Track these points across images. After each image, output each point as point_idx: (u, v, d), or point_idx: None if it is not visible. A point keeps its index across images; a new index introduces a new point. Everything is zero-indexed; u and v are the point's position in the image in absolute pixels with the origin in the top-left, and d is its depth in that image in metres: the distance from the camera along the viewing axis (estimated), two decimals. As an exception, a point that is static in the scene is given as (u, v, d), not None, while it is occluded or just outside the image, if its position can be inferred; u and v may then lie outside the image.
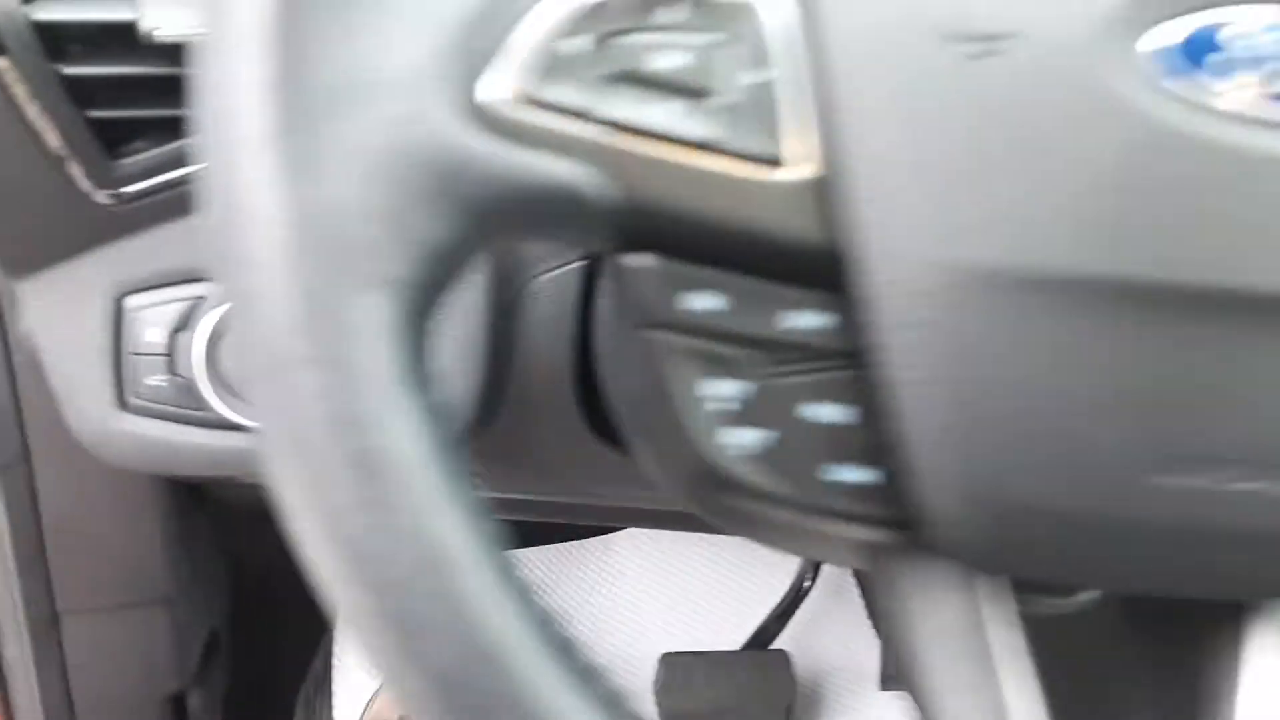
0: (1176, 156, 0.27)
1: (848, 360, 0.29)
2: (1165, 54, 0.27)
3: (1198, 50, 0.27)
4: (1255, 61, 0.27)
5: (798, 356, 0.29)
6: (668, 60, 0.26)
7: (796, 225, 0.28)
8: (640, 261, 0.28)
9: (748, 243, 0.28)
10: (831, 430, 0.29)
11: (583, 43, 0.26)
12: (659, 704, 1.16)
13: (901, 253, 0.27)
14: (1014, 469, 0.28)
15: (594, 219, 0.27)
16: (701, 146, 0.27)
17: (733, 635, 1.19)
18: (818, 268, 0.28)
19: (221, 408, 0.51)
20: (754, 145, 0.27)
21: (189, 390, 0.51)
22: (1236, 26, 0.27)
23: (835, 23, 0.27)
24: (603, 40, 0.26)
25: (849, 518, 0.30)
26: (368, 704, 1.00)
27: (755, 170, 0.27)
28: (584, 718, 0.27)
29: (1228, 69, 0.27)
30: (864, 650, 1.24)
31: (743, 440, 0.29)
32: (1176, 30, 0.27)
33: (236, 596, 1.07)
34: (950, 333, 0.28)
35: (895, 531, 0.30)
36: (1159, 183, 0.27)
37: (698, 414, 0.29)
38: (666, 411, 0.29)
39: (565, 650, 0.28)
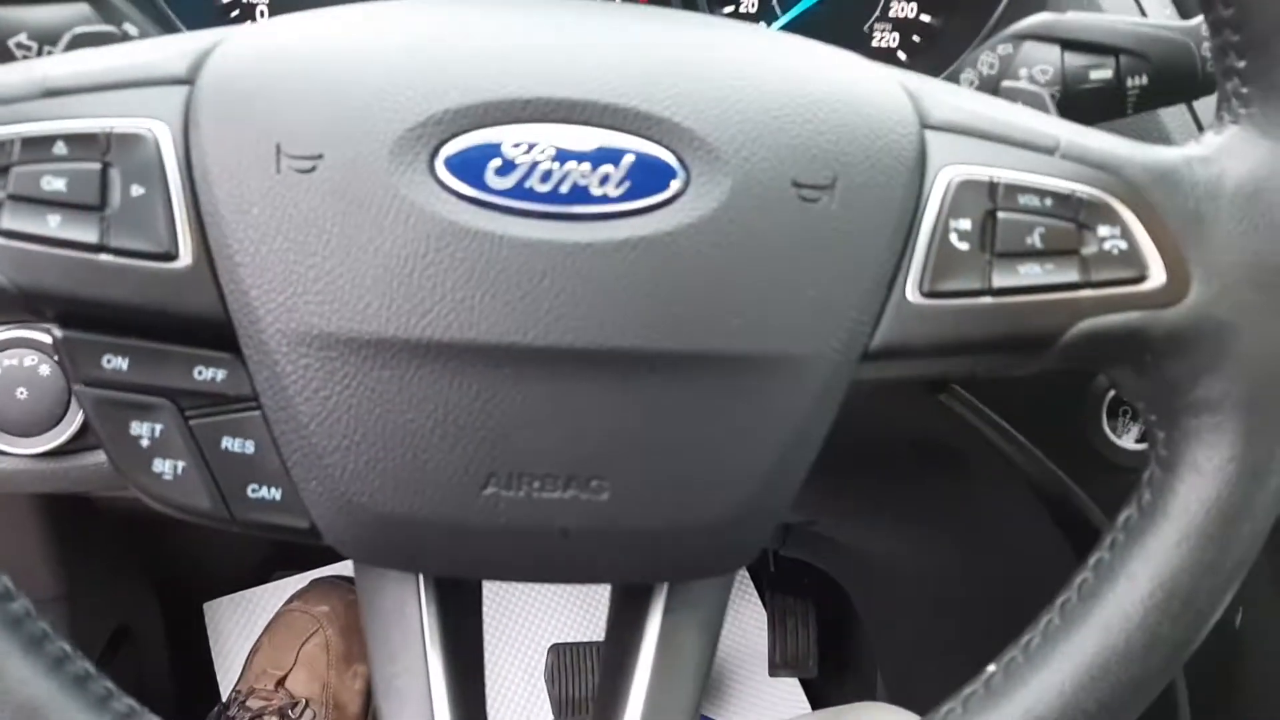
0: (455, 242, 0.34)
1: (252, 403, 0.37)
2: (449, 164, 0.35)
3: (477, 159, 0.35)
4: (517, 165, 0.35)
5: (213, 401, 0.37)
6: (54, 184, 0.35)
7: (193, 302, 0.36)
8: (66, 333, 0.37)
9: (155, 316, 0.36)
10: (246, 457, 0.37)
11: None
12: (549, 691, 1.25)
13: (261, 321, 0.35)
14: (373, 486, 0.36)
15: (12, 307, 0.35)
16: (97, 248, 0.35)
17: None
18: (219, 332, 0.36)
19: (-15, 435, 0.61)
20: (145, 243, 0.35)
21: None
22: (506, 143, 0.35)
23: (206, 148, 0.35)
24: None
25: (272, 527, 0.38)
26: (247, 661, 1.09)
27: (149, 263, 0.35)
28: (48, 690, 0.36)
29: (504, 171, 0.35)
30: (757, 638, 1.31)
31: (171, 469, 0.37)
32: (458, 145, 0.35)
33: (161, 592, 1.18)
34: (304, 382, 0.35)
35: (309, 537, 0.38)
36: (444, 263, 0.34)
37: (132, 450, 0.37)
38: (108, 448, 0.37)
39: (36, 641, 0.36)
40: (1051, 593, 0.41)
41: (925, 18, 0.71)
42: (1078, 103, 0.47)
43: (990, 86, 0.48)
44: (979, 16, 0.67)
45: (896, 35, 0.71)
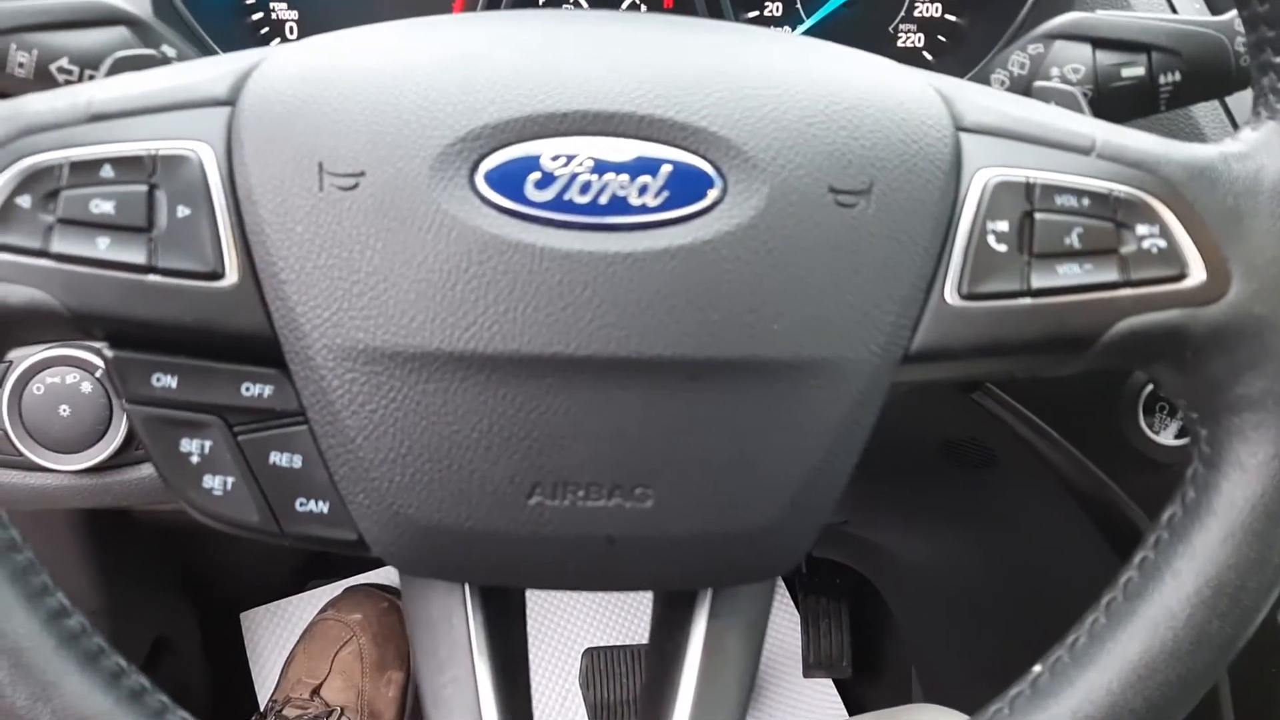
0: (497, 255, 0.35)
1: (298, 418, 0.37)
2: (489, 178, 0.35)
3: (517, 173, 0.35)
4: (556, 178, 0.35)
5: (261, 417, 0.38)
6: (102, 207, 0.35)
7: (240, 320, 0.36)
8: (116, 353, 0.37)
9: (203, 335, 0.36)
10: (294, 471, 0.38)
11: (31, 199, 0.35)
12: (584, 695, 1.25)
13: (307, 337, 0.36)
14: (419, 497, 0.36)
15: (63, 328, 0.36)
16: (145, 269, 0.35)
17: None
18: (265, 349, 0.37)
19: (27, 451, 0.62)
20: (192, 263, 0.36)
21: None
22: (545, 156, 0.35)
23: (249, 168, 0.36)
24: (49, 196, 0.35)
25: (320, 540, 0.38)
26: (283, 670, 1.10)
27: (196, 282, 0.36)
28: (107, 705, 0.36)
29: (543, 183, 0.35)
30: (790, 638, 1.31)
31: (221, 485, 0.38)
32: (497, 159, 0.35)
33: (198, 602, 1.19)
34: (350, 396, 0.36)
35: (357, 549, 0.38)
36: (486, 275, 0.35)
37: (182, 466, 0.38)
38: (159, 465, 0.38)
39: (93, 656, 0.37)
40: (1088, 589, 0.41)
41: (951, 17, 0.71)
42: (1110, 101, 0.47)
43: (1021, 87, 0.48)
44: (1005, 16, 0.67)
45: (922, 36, 0.71)
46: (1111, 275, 0.37)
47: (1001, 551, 0.92)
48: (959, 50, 0.71)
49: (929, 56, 0.72)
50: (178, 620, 1.14)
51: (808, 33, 0.70)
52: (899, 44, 0.72)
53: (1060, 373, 0.39)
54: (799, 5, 0.70)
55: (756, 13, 0.71)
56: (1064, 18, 0.48)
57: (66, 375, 0.62)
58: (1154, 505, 0.41)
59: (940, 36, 0.72)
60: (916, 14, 0.71)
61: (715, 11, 0.68)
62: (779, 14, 0.71)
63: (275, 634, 1.23)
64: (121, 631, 1.00)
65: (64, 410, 0.62)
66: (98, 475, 0.65)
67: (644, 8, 0.70)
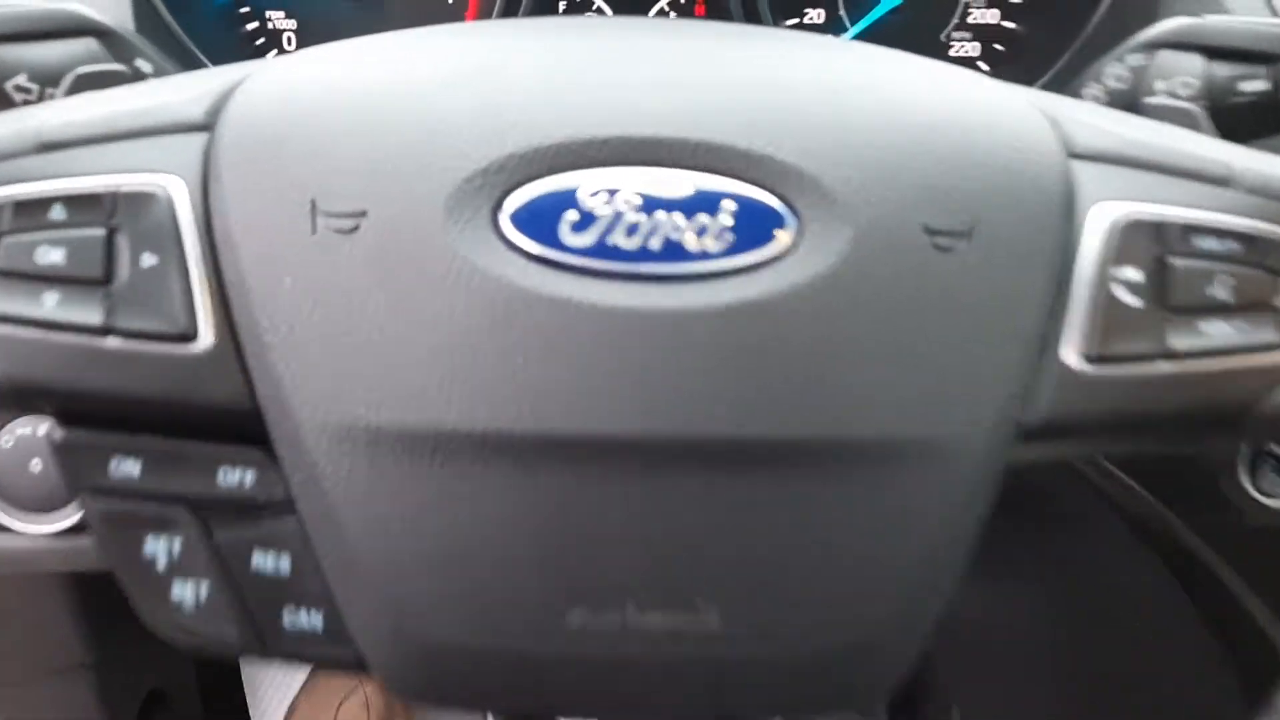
0: (526, 312, 0.29)
1: (286, 510, 0.31)
2: (516, 218, 0.29)
3: (549, 212, 0.29)
4: (597, 218, 0.29)
5: (240, 509, 0.31)
6: (50, 255, 0.29)
7: (215, 391, 0.30)
8: (65, 433, 0.31)
9: (171, 409, 0.30)
10: (280, 578, 0.31)
11: None
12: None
13: (296, 413, 0.29)
14: (431, 612, 0.30)
15: (2, 401, 0.30)
16: (101, 331, 0.29)
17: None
18: (245, 426, 0.30)
19: (-5, 513, 0.56)
20: (159, 322, 0.29)
21: (-35, 498, 0.56)
22: (582, 191, 0.29)
23: (229, 207, 0.30)
24: None
25: (310, 658, 0.32)
26: (288, 713, 1.04)
27: (163, 346, 0.30)
28: None
29: (581, 225, 0.29)
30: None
31: (192, 595, 0.32)
32: (525, 195, 0.29)
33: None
34: (348, 485, 0.30)
35: (356, 669, 0.32)
36: (513, 338, 0.29)
37: (146, 575, 0.32)
38: (120, 572, 0.32)
39: None
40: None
41: (1009, 24, 0.65)
42: (1227, 119, 0.41)
43: (1123, 104, 0.41)
44: (1071, 23, 0.60)
45: (978, 45, 0.65)
46: (1268, 335, 0.31)
47: (1056, 597, 0.86)
48: (1018, 61, 0.65)
49: (985, 67, 0.65)
50: (173, 672, 1.08)
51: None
52: (951, 53, 0.65)
53: (1205, 452, 0.33)
54: (842, 11, 0.64)
55: (796, 20, 0.65)
56: (1170, 24, 0.42)
57: (39, 426, 0.56)
58: (1241, 554, 0.34)
59: (997, 45, 0.65)
60: (971, 20, 0.65)
61: (753, 18, 0.62)
62: (821, 20, 0.65)
63: (276, 684, 1.16)
64: (114, 685, 0.95)
65: (35, 465, 0.56)
66: (73, 537, 0.59)
67: (673, 15, 0.64)
